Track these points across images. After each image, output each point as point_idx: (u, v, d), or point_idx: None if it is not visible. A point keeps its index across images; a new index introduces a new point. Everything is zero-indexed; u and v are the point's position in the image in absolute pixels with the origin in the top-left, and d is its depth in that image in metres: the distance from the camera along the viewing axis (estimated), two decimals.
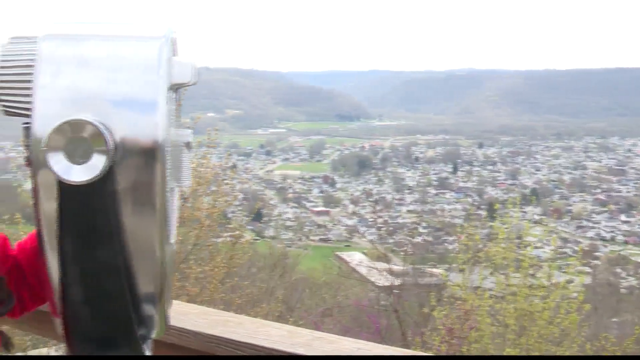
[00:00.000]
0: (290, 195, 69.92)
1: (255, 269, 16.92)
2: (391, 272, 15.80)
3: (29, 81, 1.10)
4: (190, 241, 11.00)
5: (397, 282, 15.40)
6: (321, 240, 54.57)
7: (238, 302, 11.81)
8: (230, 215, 15.23)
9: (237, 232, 12.62)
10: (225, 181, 12.66)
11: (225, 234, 12.65)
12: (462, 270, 12.05)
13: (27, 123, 1.09)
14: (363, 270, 20.03)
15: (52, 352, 9.64)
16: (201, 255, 11.70)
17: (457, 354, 9.68)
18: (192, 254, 11.24)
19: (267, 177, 75.85)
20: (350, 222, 59.16)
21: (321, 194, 73.02)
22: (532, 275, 11.06)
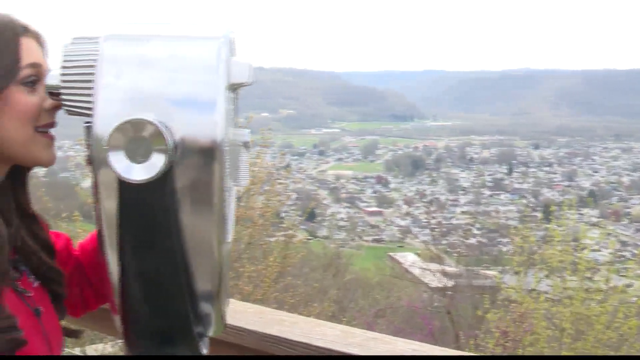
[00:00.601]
0: (343, 195, 69.88)
1: (308, 269, 16.94)
2: (444, 274, 15.68)
3: (90, 81, 1.12)
4: (244, 240, 11.07)
5: (450, 283, 15.28)
6: (374, 240, 54.39)
7: (291, 302, 11.85)
8: (283, 214, 15.29)
9: (290, 232, 12.66)
10: (279, 181, 12.71)
11: (279, 234, 12.70)
12: (516, 273, 11.89)
13: (88, 122, 1.11)
14: (416, 271, 19.92)
15: (109, 348, 9.81)
16: (254, 254, 11.77)
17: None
18: (246, 253, 11.31)
19: (320, 177, 75.91)
20: (403, 223, 58.86)
21: (374, 194, 72.81)
22: (589, 279, 10.86)
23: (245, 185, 1.32)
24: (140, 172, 1.03)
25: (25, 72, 1.29)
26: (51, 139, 1.35)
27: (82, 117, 1.16)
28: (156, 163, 1.03)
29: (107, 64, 1.11)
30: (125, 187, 1.07)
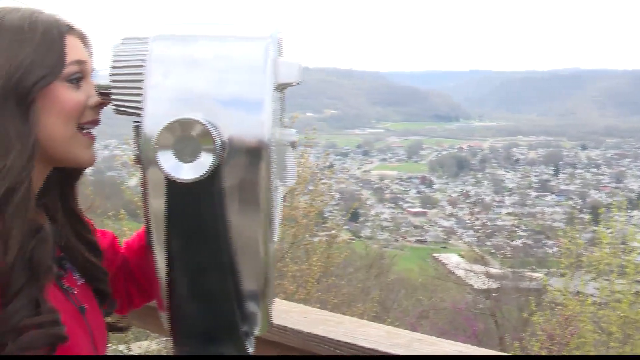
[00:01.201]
0: (387, 196, 69.66)
1: (351, 269, 16.93)
2: (489, 275, 15.56)
3: (139, 81, 1.13)
4: (288, 239, 11.11)
5: (495, 285, 15.16)
6: (418, 241, 54.13)
7: (334, 302, 11.86)
8: (327, 214, 15.30)
9: (334, 232, 12.66)
10: (323, 181, 12.72)
11: (322, 233, 12.71)
12: (563, 275, 11.76)
13: (137, 122, 1.12)
14: (460, 273, 19.81)
15: (153, 345, 9.91)
16: (298, 253, 11.81)
17: None
18: (289, 253, 11.35)
19: (364, 177, 75.73)
20: (447, 224, 58.42)
21: (418, 195, 72.47)
22: (638, 282, 10.68)
23: (292, 184, 1.32)
24: (188, 172, 1.04)
25: (69, 69, 1.31)
26: (92, 139, 1.36)
27: (130, 116, 1.17)
28: (204, 162, 1.04)
29: (155, 64, 1.12)
30: (173, 186, 1.08)
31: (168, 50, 1.13)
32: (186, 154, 1.04)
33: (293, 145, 1.31)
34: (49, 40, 1.30)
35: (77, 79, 1.33)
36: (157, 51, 1.13)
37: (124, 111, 1.18)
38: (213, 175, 1.06)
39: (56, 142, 1.31)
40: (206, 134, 1.04)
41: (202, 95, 1.09)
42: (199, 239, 1.13)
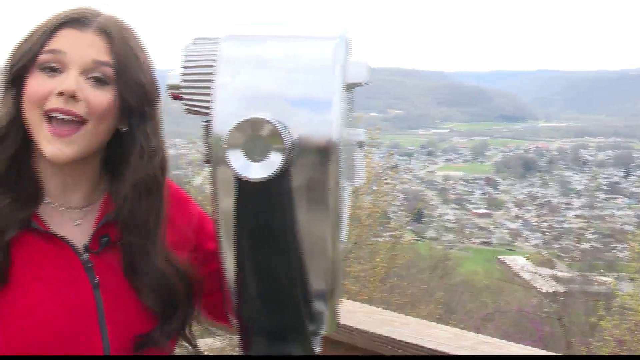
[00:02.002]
0: (451, 196, 69.01)
1: (414, 270, 16.84)
2: (556, 279, 15.28)
3: (209, 81, 1.14)
4: (351, 239, 11.10)
5: (562, 288, 14.87)
6: (483, 243, 53.50)
7: (397, 302, 11.81)
8: (390, 215, 15.26)
9: (397, 232, 12.62)
10: (386, 181, 12.69)
11: (386, 234, 12.68)
12: (633, 280, 11.49)
13: (207, 121, 1.13)
14: (526, 276, 19.47)
15: (218, 342, 10.01)
16: (361, 254, 11.79)
17: None
18: (353, 253, 11.34)
19: (428, 177, 75.21)
20: (513, 226, 57.59)
21: (483, 196, 71.56)
22: None
23: (360, 184, 1.32)
24: (258, 171, 1.05)
25: (42, 58, 1.40)
26: (56, 135, 1.38)
27: (200, 116, 1.18)
28: (274, 162, 1.04)
29: (225, 63, 1.13)
30: (242, 185, 1.08)
31: (238, 50, 1.14)
32: (256, 154, 1.05)
33: (361, 145, 1.31)
34: (34, 32, 1.42)
35: (51, 67, 1.39)
36: (228, 51, 1.14)
37: (194, 110, 1.19)
38: (282, 175, 1.06)
39: (29, 127, 1.40)
40: (275, 134, 1.04)
41: (272, 95, 1.10)
42: (267, 237, 1.14)
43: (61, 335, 1.38)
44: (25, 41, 1.43)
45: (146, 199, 1.47)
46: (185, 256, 1.55)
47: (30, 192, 1.44)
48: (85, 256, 1.45)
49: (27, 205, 1.42)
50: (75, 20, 1.42)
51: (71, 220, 1.49)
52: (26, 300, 1.38)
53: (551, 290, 15.00)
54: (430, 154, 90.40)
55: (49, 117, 1.38)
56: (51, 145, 1.38)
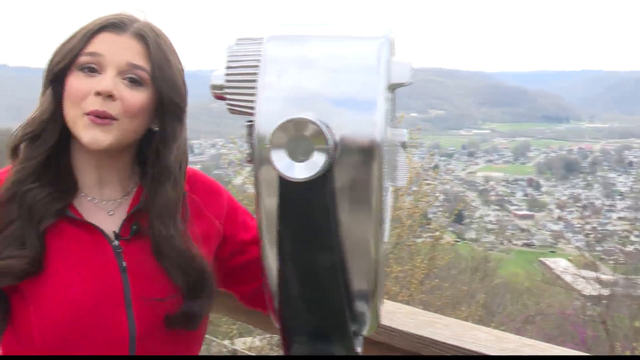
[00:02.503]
0: (492, 198, 68.44)
1: (455, 271, 16.73)
2: (599, 281, 15.07)
3: (253, 81, 1.14)
4: (391, 240, 11.06)
5: (605, 292, 14.66)
6: (524, 244, 52.96)
7: (437, 304, 11.75)
8: (431, 215, 15.17)
9: (438, 233, 12.54)
10: (427, 181, 12.63)
11: (426, 235, 12.61)
12: None
13: (250, 121, 1.14)
14: (568, 278, 19.23)
15: (257, 341, 10.07)
16: (401, 254, 11.75)
17: None
18: (393, 253, 11.30)
19: (469, 178, 74.70)
20: (555, 227, 56.92)
21: (525, 197, 70.88)
22: None
23: (403, 185, 1.32)
24: (301, 171, 1.05)
25: (81, 59, 1.50)
26: (93, 121, 1.48)
27: (243, 115, 1.19)
28: (317, 162, 1.04)
29: (269, 64, 1.13)
30: (285, 185, 1.09)
31: (282, 51, 1.14)
32: (299, 154, 1.05)
33: (404, 145, 1.30)
34: (74, 35, 1.53)
35: (90, 68, 1.50)
36: (272, 51, 1.14)
37: (238, 110, 1.20)
38: (325, 175, 1.06)
39: (68, 123, 1.51)
40: (319, 134, 1.04)
41: (315, 95, 1.10)
42: (310, 237, 1.14)
43: (89, 315, 1.48)
44: (66, 43, 1.54)
45: (171, 189, 1.56)
46: (213, 247, 1.67)
47: (67, 186, 1.55)
48: (116, 243, 1.55)
49: (63, 198, 1.54)
50: (114, 25, 1.53)
51: (104, 211, 1.60)
52: (58, 283, 1.48)
53: (594, 293, 14.80)
54: (471, 154, 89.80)
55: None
56: (89, 131, 1.48)
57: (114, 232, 1.56)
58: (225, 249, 1.70)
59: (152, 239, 1.55)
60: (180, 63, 1.62)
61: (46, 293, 1.47)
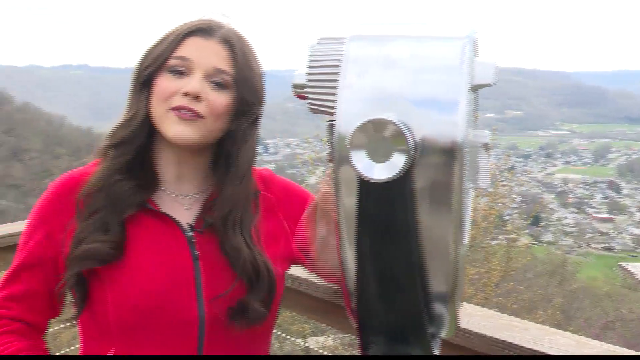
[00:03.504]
0: (570, 200, 67.01)
1: (531, 275, 16.44)
2: None
3: (335, 80, 1.14)
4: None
5: None
6: (603, 248, 51.70)
7: (513, 307, 11.56)
8: (507, 217, 14.95)
9: (514, 235, 12.36)
10: (503, 183, 12.45)
11: (502, 237, 12.44)
12: None
13: (331, 121, 1.14)
14: None
15: (330, 341, 10.09)
16: (477, 256, 11.61)
17: None
18: (468, 255, 11.18)
19: (546, 180, 73.30)
20: (636, 231, 55.41)
21: (605, 200, 69.15)
22: None
23: (485, 187, 1.30)
24: (381, 172, 1.04)
25: (171, 62, 1.60)
26: (180, 116, 1.58)
27: (324, 115, 1.19)
28: (397, 163, 1.04)
29: (351, 63, 1.13)
30: (365, 186, 1.08)
31: (364, 50, 1.14)
32: (379, 154, 1.04)
33: (486, 147, 1.28)
34: (164, 39, 1.64)
35: (178, 71, 1.60)
36: (354, 51, 1.14)
37: (318, 110, 1.20)
38: (405, 176, 1.05)
39: (155, 119, 1.61)
40: (399, 135, 1.03)
41: (396, 96, 1.09)
42: (389, 238, 1.13)
43: (162, 298, 1.58)
44: (156, 46, 1.65)
45: (240, 188, 1.67)
46: (281, 246, 1.76)
47: (149, 180, 1.68)
48: (190, 234, 1.66)
49: (145, 191, 1.66)
50: (201, 30, 1.64)
51: (182, 205, 1.71)
52: (136, 268, 1.59)
53: None
54: (548, 155, 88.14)
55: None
56: (176, 126, 1.58)
57: (189, 223, 1.67)
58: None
59: (218, 234, 1.65)
60: (260, 67, 1.70)
61: (124, 278, 1.57)
